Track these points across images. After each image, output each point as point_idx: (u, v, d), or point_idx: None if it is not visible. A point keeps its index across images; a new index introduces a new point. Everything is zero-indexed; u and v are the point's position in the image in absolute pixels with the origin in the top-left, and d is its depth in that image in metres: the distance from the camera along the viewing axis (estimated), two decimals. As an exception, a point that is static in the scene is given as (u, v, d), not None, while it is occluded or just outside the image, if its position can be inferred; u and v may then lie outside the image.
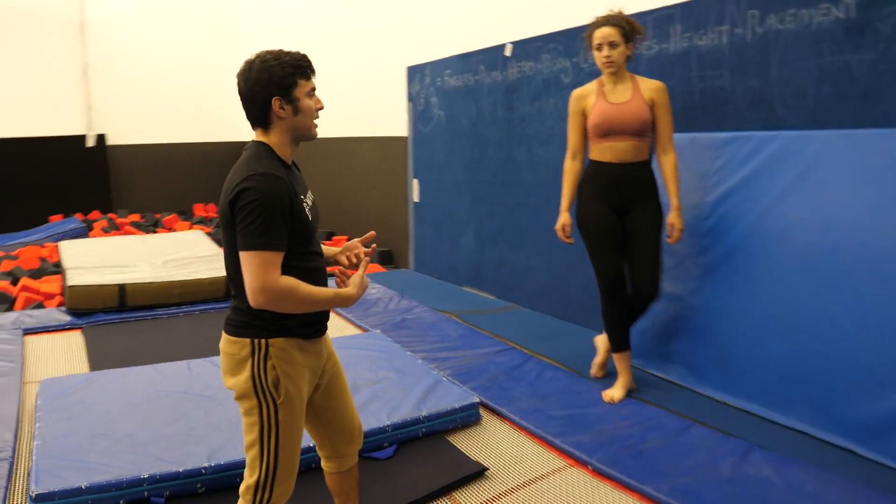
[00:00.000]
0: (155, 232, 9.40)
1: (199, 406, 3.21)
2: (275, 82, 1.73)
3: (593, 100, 3.24)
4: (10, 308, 5.60)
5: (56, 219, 10.21)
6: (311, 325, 1.85)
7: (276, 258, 1.69)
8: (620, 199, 3.22)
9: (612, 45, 3.11)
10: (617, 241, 3.26)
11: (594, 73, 4.07)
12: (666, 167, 3.21)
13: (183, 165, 11.39)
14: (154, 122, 11.07)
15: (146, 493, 2.62)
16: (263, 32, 10.04)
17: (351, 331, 4.74)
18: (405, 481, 2.73)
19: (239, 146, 11.64)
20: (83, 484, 2.56)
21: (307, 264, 1.81)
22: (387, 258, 6.97)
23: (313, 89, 1.81)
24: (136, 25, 10.91)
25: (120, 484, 2.59)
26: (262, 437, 1.78)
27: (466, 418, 3.18)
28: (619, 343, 3.34)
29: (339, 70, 7.96)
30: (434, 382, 3.43)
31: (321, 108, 1.83)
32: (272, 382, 1.77)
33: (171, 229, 9.67)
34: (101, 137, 10.71)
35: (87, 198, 10.63)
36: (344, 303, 1.84)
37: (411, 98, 6.23)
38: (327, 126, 8.34)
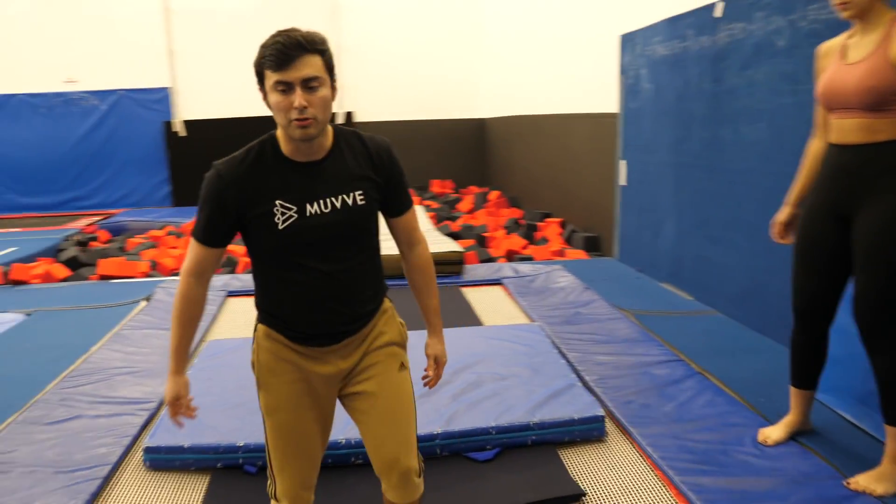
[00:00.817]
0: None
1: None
2: (255, 67, 1.60)
3: (831, 59, 2.45)
4: (232, 271, 6.29)
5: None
6: (289, 328, 1.76)
7: (199, 250, 1.70)
8: (843, 197, 2.36)
9: None
10: (824, 255, 2.46)
11: (814, 34, 3.37)
12: None
13: (423, 141, 11.92)
14: (398, 99, 11.71)
15: (241, 461, 2.73)
16: (505, 9, 10.02)
17: (518, 319, 4.54)
18: (489, 487, 2.54)
19: (478, 123, 11.88)
20: (186, 443, 2.74)
21: (289, 275, 1.70)
22: (592, 245, 6.60)
23: (281, 83, 1.54)
24: (385, 6, 11.59)
25: (217, 448, 2.73)
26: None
27: (587, 432, 2.85)
28: (796, 377, 2.70)
29: (555, 42, 7.68)
30: (565, 387, 3.13)
31: (298, 108, 1.54)
32: (251, 364, 1.81)
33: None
34: (349, 115, 11.61)
35: (336, 172, 11.61)
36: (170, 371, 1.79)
37: (623, 70, 5.76)
38: (543, 104, 8.14)
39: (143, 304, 4.91)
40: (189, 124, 11.25)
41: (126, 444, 2.88)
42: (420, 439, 2.72)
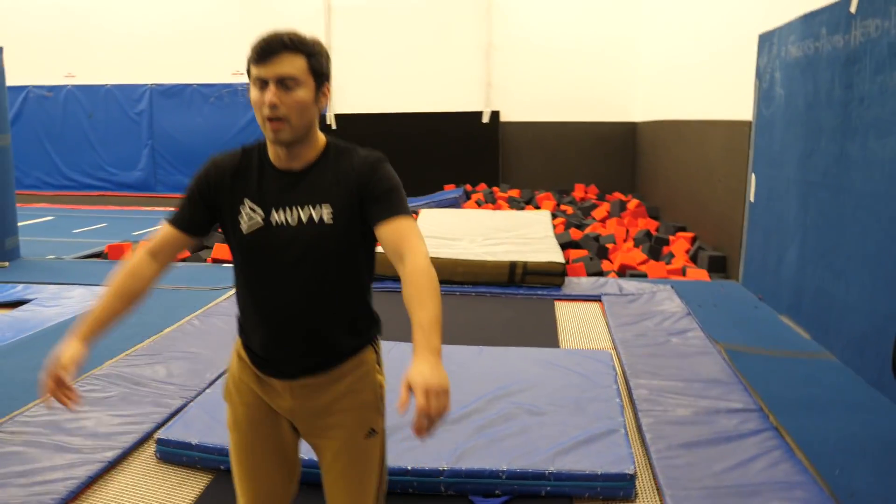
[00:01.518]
0: (523, 208, 9.71)
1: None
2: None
3: None
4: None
5: (449, 188, 11.33)
6: (250, 346, 1.67)
7: (163, 229, 1.64)
8: None
9: None
10: None
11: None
12: None
13: (570, 144, 11.53)
14: (545, 100, 11.41)
15: None
16: (661, 6, 9.42)
17: (599, 342, 4.18)
18: None
19: (628, 127, 11.30)
20: (194, 440, 2.73)
21: (252, 287, 1.62)
22: (718, 265, 5.98)
23: (259, 79, 1.48)
24: (539, 5, 11.30)
25: (222, 450, 2.67)
26: None
27: (610, 491, 2.51)
28: None
29: (700, 42, 7.07)
30: (604, 432, 2.79)
31: (270, 106, 1.47)
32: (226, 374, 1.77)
33: (537, 207, 9.89)
34: (495, 114, 11.47)
35: (478, 170, 11.51)
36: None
37: (759, 73, 5.13)
38: (685, 108, 7.51)
39: (233, 293, 5.06)
40: (340, 118, 11.64)
41: (145, 430, 2.93)
42: (424, 474, 2.54)
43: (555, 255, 5.57)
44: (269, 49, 1.47)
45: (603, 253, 6.84)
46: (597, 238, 7.46)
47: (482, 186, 11.23)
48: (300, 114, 1.49)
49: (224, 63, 11.84)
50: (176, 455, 2.75)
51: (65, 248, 6.98)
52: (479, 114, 11.51)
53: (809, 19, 4.16)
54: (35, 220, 9.25)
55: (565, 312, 4.84)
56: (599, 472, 2.50)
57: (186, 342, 3.95)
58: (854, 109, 3.58)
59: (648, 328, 4.28)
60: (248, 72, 1.51)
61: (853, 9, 3.58)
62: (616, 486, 2.50)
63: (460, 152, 11.59)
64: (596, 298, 5.09)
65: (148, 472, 2.69)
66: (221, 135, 12.00)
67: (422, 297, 1.45)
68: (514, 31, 11.32)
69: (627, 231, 8.00)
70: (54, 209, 10.47)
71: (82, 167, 12.38)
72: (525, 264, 5.32)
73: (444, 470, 2.54)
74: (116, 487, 2.57)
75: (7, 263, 5.87)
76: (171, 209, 1.65)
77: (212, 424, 2.83)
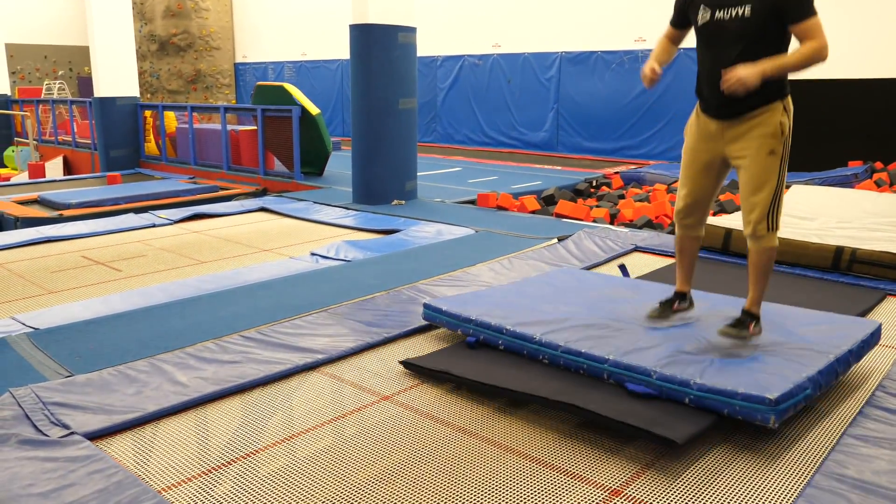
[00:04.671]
0: (937, 194, 8.39)
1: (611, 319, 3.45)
2: None
3: None
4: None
5: (855, 164, 10.23)
6: (700, 97, 3.04)
7: (668, 28, 3.20)
8: None
9: None
10: None
11: None
12: None
13: None
14: None
15: (471, 330, 3.49)
16: None
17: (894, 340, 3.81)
18: (614, 401, 2.75)
19: None
20: (444, 307, 3.66)
21: (698, 55, 3.02)
22: None
23: None
24: None
25: (458, 317, 3.55)
26: None
27: (749, 412, 2.57)
28: None
29: None
30: (786, 370, 2.77)
31: None
32: None
33: None
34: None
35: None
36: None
37: None
38: None
39: (553, 242, 5.68)
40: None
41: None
42: (594, 359, 2.99)
43: (891, 245, 4.99)
44: None
45: None
46: None
47: (893, 166, 9.87)
48: None
49: (628, 30, 12.38)
50: (433, 316, 3.69)
51: (452, 194, 8.43)
52: (906, 80, 10.07)
53: None
54: (447, 169, 11.17)
55: (892, 308, 4.41)
56: (739, 392, 2.58)
57: (477, 280, 4.65)
58: None
59: None
60: None
61: None
62: (754, 409, 2.56)
63: (875, 125, 10.32)
64: (941, 301, 4.49)
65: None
66: (619, 100, 12.67)
67: (798, 54, 2.76)
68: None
69: None
70: (465, 161, 12.39)
71: (499, 126, 14.27)
72: (854, 251, 4.91)
73: (608, 359, 2.94)
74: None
75: (404, 202, 7.47)
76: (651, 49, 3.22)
77: (463, 304, 3.65)
